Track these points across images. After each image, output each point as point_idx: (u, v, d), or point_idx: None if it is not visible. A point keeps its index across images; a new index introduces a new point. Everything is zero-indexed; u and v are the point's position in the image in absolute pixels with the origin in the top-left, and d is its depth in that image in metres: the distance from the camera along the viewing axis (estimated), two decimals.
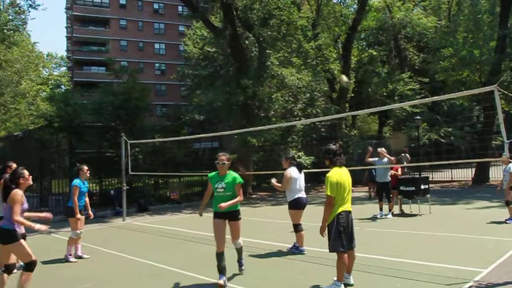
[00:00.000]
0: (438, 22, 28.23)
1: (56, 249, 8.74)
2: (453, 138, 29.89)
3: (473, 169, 22.01)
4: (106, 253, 8.45)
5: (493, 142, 23.21)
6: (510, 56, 19.67)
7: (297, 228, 7.52)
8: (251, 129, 14.25)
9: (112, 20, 49.43)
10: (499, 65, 19.54)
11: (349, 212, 5.29)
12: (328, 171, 5.35)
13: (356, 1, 28.99)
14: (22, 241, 5.11)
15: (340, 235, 5.12)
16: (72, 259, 7.74)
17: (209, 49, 26.67)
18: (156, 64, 50.81)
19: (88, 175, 8.18)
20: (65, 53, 66.16)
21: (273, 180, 7.86)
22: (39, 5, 36.21)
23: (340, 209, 5.19)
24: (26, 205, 5.24)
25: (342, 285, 5.19)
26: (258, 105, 20.28)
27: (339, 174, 5.25)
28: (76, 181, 7.76)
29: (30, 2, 23.50)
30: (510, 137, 6.15)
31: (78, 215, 7.76)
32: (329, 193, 5.18)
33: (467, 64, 20.94)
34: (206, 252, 8.10)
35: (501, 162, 10.25)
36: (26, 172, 5.26)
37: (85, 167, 8.05)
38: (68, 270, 7.12)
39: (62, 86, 58.04)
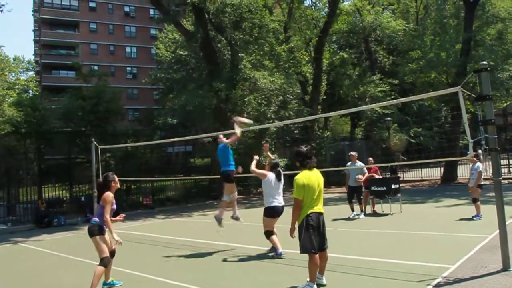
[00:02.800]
0: (406, 25, 28.96)
1: (23, 259, 8.48)
2: (422, 138, 30.67)
3: (442, 168, 22.61)
4: (78, 262, 8.24)
5: (461, 141, 23.93)
6: (474, 58, 20.33)
7: (268, 234, 7.41)
8: (224, 132, 14.20)
9: (82, 23, 48.41)
10: (465, 67, 20.18)
11: (320, 213, 5.33)
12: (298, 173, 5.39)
13: (327, 5, 29.38)
14: (104, 237, 6.03)
15: (310, 236, 5.16)
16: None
17: (181, 53, 26.49)
18: (128, 68, 50.06)
19: None
20: (32, 57, 64.48)
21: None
22: (3, 5, 35.07)
23: (310, 211, 5.23)
24: (115, 206, 6.05)
25: (315, 286, 5.22)
26: (231, 108, 20.26)
27: (307, 177, 5.29)
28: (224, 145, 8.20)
29: None
30: (475, 136, 6.34)
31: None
32: (295, 196, 5.23)
33: (434, 66, 21.54)
34: (181, 258, 8.03)
35: (468, 161, 10.58)
36: (116, 177, 6.08)
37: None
38: (38, 279, 6.91)
39: (30, 91, 56.47)
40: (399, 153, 19.56)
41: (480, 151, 8.13)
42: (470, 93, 6.79)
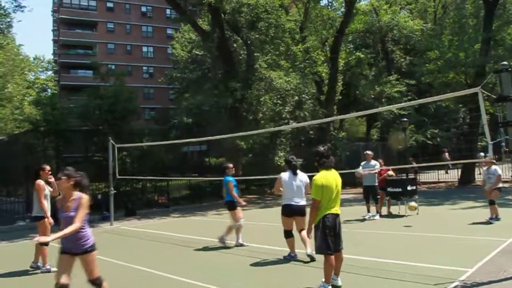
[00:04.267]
0: (424, 25, 28.57)
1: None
2: (439, 140, 30.22)
3: (459, 170, 22.27)
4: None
5: (479, 143, 23.53)
6: (494, 58, 19.97)
7: (286, 234, 7.29)
8: (240, 134, 14.26)
9: (100, 23, 49.07)
10: (484, 68, 19.84)
11: (337, 215, 5.31)
12: (316, 174, 5.38)
13: (343, 5, 29.18)
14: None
15: (326, 237, 5.14)
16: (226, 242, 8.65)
17: (197, 52, 26.67)
18: (144, 67, 50.54)
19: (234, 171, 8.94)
20: (51, 57, 65.55)
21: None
22: (24, 6, 35.77)
23: (327, 212, 5.21)
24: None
25: (330, 287, 5.20)
26: (247, 108, 20.29)
27: (326, 177, 5.28)
28: (229, 178, 8.58)
29: (15, 4, 23.09)
30: (495, 138, 6.24)
31: (244, 203, 8.85)
32: (314, 196, 5.22)
33: (452, 67, 21.20)
34: (196, 256, 8.08)
35: (484, 164, 10.39)
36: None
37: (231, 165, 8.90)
38: (54, 276, 7.01)
39: (49, 90, 57.43)
40: (410, 157, 19.40)
41: (488, 155, 7.81)
42: (490, 94, 6.67)
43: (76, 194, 4.55)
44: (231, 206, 8.60)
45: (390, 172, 12.54)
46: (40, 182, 7.15)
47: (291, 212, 7.17)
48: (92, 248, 4.65)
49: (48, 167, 7.52)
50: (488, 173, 10.17)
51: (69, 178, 4.59)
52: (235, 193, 8.55)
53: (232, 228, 8.68)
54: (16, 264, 8.01)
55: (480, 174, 20.58)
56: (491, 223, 9.67)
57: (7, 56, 36.79)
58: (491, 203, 9.94)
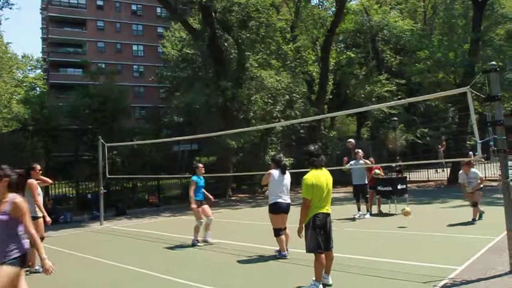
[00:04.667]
0: (414, 25, 28.76)
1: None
2: (429, 139, 30.48)
3: (449, 169, 22.47)
4: (83, 259, 8.29)
5: (468, 142, 23.77)
6: (483, 58, 20.17)
7: (276, 232, 7.32)
8: (231, 131, 14.23)
9: (89, 21, 48.65)
10: (473, 67, 20.02)
11: (328, 214, 5.33)
12: (307, 172, 5.38)
13: (334, 4, 29.29)
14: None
15: (317, 236, 5.16)
16: (199, 244, 8.82)
17: (187, 51, 26.52)
18: (134, 66, 50.23)
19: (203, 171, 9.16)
20: (40, 55, 64.86)
21: None
22: (13, 4, 35.44)
23: (318, 211, 5.22)
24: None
25: (321, 285, 5.22)
26: (238, 107, 20.28)
27: (316, 176, 5.28)
28: (193, 178, 8.97)
29: (3, 1, 22.83)
30: (483, 137, 6.30)
31: (194, 206, 8.76)
32: (304, 196, 5.23)
33: (442, 66, 21.38)
34: (186, 256, 8.06)
35: (474, 162, 10.33)
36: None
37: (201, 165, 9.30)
38: (44, 276, 6.95)
39: (37, 89, 56.80)
40: (398, 156, 19.56)
41: (477, 154, 7.56)
42: (478, 94, 6.74)
43: (10, 195, 3.97)
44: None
45: (378, 171, 12.55)
46: (33, 181, 7.10)
47: (279, 209, 7.24)
48: (13, 262, 3.88)
49: (39, 167, 7.55)
50: (469, 178, 9.93)
51: (3, 178, 4.01)
52: (193, 193, 8.80)
53: (197, 227, 8.93)
54: None
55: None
56: (474, 224, 9.68)
57: None
58: (474, 204, 9.82)
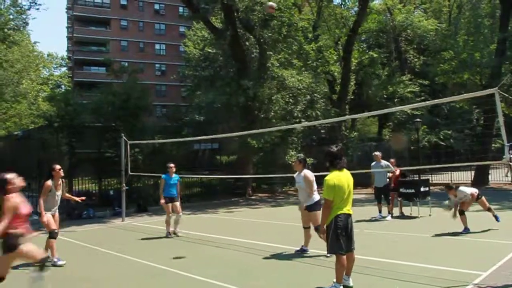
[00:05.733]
0: (438, 24, 28.29)
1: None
2: (452, 141, 29.89)
3: (473, 172, 21.99)
4: (105, 253, 8.43)
5: (493, 145, 23.22)
6: (510, 59, 19.69)
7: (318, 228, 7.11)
8: (252, 131, 14.26)
9: (113, 20, 49.48)
10: (500, 68, 19.57)
11: (349, 215, 5.29)
12: (327, 174, 5.35)
13: (357, 4, 29.02)
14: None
15: (338, 237, 5.12)
16: (170, 235, 9.97)
17: (209, 50, 26.68)
18: (157, 65, 50.83)
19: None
20: (65, 53, 66.22)
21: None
22: (40, 4, 36.37)
23: (339, 212, 5.19)
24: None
25: (341, 287, 5.18)
26: (258, 106, 20.27)
27: (338, 177, 5.25)
28: (162, 176, 10.07)
29: (31, 2, 23.39)
30: (510, 140, 6.14)
31: (162, 201, 9.95)
32: (326, 196, 5.20)
33: (467, 67, 20.97)
34: (206, 253, 8.11)
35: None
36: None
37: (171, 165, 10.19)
38: (66, 270, 7.10)
39: (62, 86, 58.02)
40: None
41: (504, 157, 6.68)
42: (506, 95, 6.57)
43: None
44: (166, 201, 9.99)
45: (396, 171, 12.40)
46: (48, 182, 7.54)
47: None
48: None
49: (58, 166, 7.82)
50: (460, 198, 9.28)
51: None
52: (162, 190, 9.99)
53: (167, 220, 10.04)
54: None
55: (507, 176, 20.15)
56: (498, 222, 9.33)
57: (22, 53, 37.26)
58: (461, 213, 9.23)
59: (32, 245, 5.02)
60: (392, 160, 12.67)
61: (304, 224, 7.64)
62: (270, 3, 11.17)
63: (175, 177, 10.15)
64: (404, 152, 26.47)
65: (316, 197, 7.43)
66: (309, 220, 7.49)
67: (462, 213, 9.25)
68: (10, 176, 4.97)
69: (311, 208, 7.42)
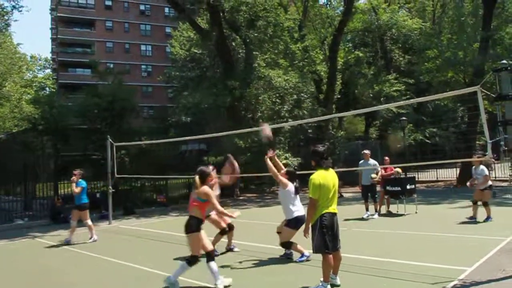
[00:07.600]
0: (423, 24, 28.57)
1: (40, 254, 8.59)
2: (438, 139, 30.24)
3: (458, 169, 22.28)
4: (92, 258, 8.33)
5: (477, 142, 23.55)
6: (493, 57, 19.97)
7: (288, 245, 6.98)
8: (239, 131, 14.23)
9: (98, 21, 49.00)
10: (483, 66, 19.83)
11: (334, 214, 5.31)
12: (313, 173, 5.36)
13: (342, 3, 29.19)
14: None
15: (324, 236, 5.13)
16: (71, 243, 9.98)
17: (195, 51, 26.61)
18: (143, 66, 50.49)
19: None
20: (50, 55, 65.38)
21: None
22: (22, 6, 35.66)
23: (324, 211, 5.20)
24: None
25: (329, 286, 5.20)
26: (245, 106, 20.29)
27: (323, 176, 5.26)
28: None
29: (14, 3, 23.02)
30: (493, 137, 6.22)
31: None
32: (311, 195, 5.20)
33: (451, 65, 21.20)
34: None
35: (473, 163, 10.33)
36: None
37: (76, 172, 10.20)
38: (53, 275, 7.00)
39: (47, 89, 57.21)
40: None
41: (487, 154, 7.21)
42: (489, 93, 6.67)
43: None
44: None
45: (398, 169, 12.53)
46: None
47: (302, 223, 6.49)
48: None
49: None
50: (476, 173, 10.09)
51: None
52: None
53: (73, 227, 10.22)
54: (15, 262, 7.99)
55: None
56: (489, 221, 9.70)
57: (5, 55, 36.66)
58: (475, 202, 9.96)
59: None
60: (386, 158, 12.78)
61: (278, 230, 7.27)
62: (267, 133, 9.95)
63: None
64: (391, 150, 26.69)
65: (290, 213, 6.96)
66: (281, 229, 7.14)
67: (486, 204, 9.88)
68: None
69: (288, 222, 7.00)
